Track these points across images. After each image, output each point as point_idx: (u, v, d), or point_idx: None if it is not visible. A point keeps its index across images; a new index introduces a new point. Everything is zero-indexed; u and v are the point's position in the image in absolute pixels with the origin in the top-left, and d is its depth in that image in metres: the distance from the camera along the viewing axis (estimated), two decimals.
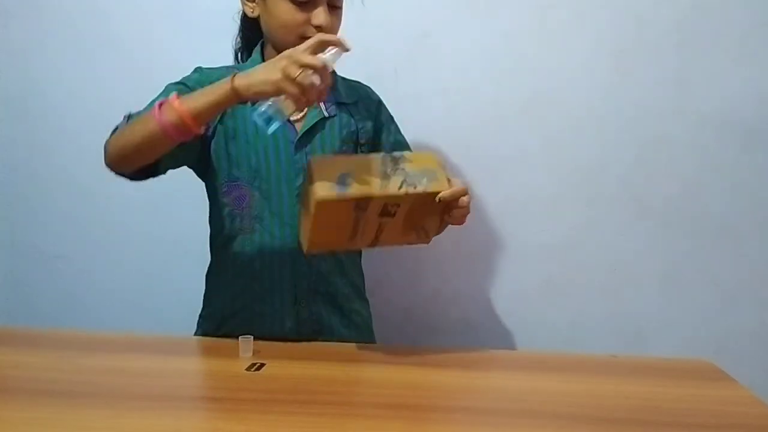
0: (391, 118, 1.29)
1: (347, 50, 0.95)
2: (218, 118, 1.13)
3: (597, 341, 1.57)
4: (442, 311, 1.61)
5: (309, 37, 1.01)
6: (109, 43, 1.60)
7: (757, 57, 1.49)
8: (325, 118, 1.17)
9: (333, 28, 1.11)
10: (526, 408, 0.92)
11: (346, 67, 1.15)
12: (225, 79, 0.95)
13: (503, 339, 1.60)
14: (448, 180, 1.02)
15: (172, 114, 0.95)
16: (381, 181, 0.96)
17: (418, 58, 1.51)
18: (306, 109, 1.15)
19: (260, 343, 1.08)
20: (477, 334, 1.60)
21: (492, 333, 1.60)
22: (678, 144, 1.53)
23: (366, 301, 1.29)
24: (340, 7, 1.13)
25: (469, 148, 1.54)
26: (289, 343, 1.06)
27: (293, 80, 0.90)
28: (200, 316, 1.25)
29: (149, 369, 1.00)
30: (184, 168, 1.55)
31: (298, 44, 0.99)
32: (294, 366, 1.01)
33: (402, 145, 1.27)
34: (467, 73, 1.53)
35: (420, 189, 0.96)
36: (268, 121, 0.92)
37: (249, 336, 1.07)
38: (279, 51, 1.05)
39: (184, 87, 1.10)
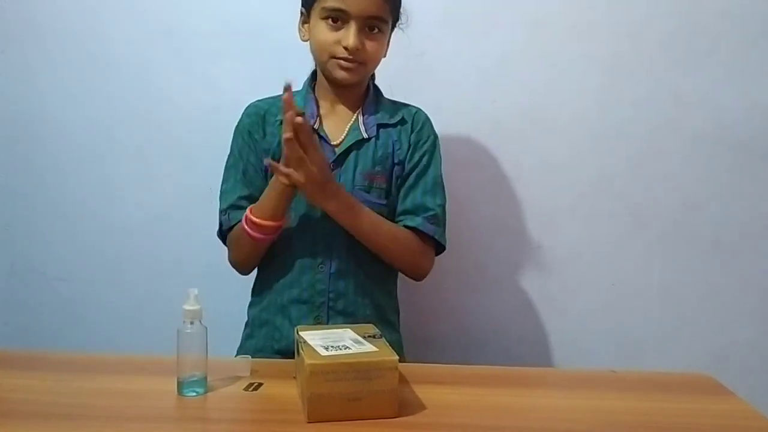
0: (431, 139, 1.26)
1: None
2: (269, 150, 1.20)
3: (596, 355, 1.57)
4: (440, 327, 1.61)
5: (339, 58, 1.12)
6: (109, 65, 1.61)
7: (750, 70, 1.51)
8: (363, 140, 1.20)
9: (367, 52, 1.13)
10: (525, 425, 0.92)
11: None
12: (274, 180, 1.12)
13: (502, 354, 1.59)
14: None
15: (258, 228, 1.13)
16: None
17: (413, 76, 1.53)
18: (346, 129, 1.19)
19: (259, 361, 1.08)
20: (475, 350, 1.59)
21: (490, 348, 1.59)
22: (674, 158, 1.54)
23: (391, 324, 1.28)
24: (383, 33, 1.14)
25: (466, 166, 1.55)
26: (290, 361, 1.05)
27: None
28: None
29: (147, 390, 1.00)
30: (186, 188, 1.59)
31: (330, 65, 1.14)
32: (291, 385, 1.00)
33: (424, 168, 1.24)
34: (462, 92, 1.54)
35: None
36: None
37: (247, 355, 1.07)
38: (322, 72, 1.18)
39: (241, 164, 1.23)
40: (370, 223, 1.17)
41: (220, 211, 1.23)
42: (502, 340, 1.60)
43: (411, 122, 1.25)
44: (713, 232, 1.55)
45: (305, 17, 1.18)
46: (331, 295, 1.18)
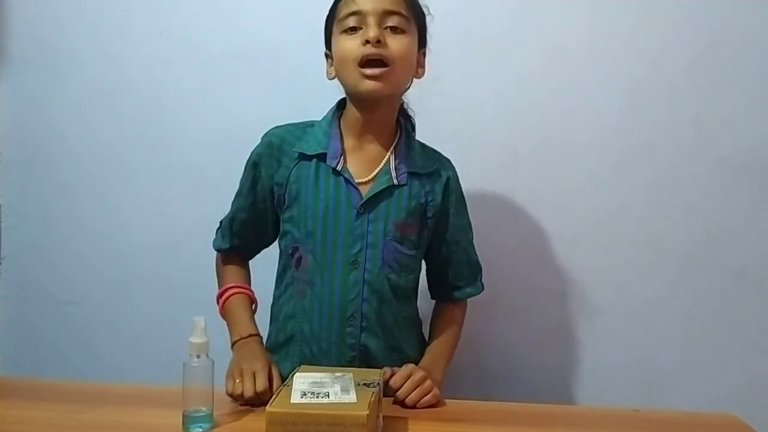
0: (462, 197, 1.25)
1: None
2: (284, 184, 1.16)
3: (616, 390, 1.52)
4: (455, 357, 1.57)
5: (364, 64, 1.06)
6: (122, 89, 1.61)
7: None
8: (394, 186, 1.14)
9: (391, 49, 1.07)
10: None
11: None
12: (240, 330, 1.16)
13: (518, 385, 1.55)
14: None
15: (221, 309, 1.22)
16: None
17: (429, 102, 1.50)
18: (374, 171, 1.14)
19: None
20: (490, 383, 1.55)
21: (505, 381, 1.55)
22: (696, 185, 1.50)
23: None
24: (406, 33, 1.10)
25: (483, 193, 1.52)
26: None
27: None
28: None
29: (153, 425, 0.97)
30: (199, 212, 1.57)
31: (356, 76, 1.08)
32: None
33: (462, 229, 1.24)
34: (479, 117, 1.52)
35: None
36: None
37: None
38: (348, 94, 1.13)
39: (241, 199, 1.22)
40: (453, 347, 1.27)
41: (218, 228, 1.27)
42: (519, 371, 1.56)
43: (445, 178, 1.20)
44: (737, 262, 1.50)
45: (331, 58, 1.15)
46: (360, 353, 1.13)
